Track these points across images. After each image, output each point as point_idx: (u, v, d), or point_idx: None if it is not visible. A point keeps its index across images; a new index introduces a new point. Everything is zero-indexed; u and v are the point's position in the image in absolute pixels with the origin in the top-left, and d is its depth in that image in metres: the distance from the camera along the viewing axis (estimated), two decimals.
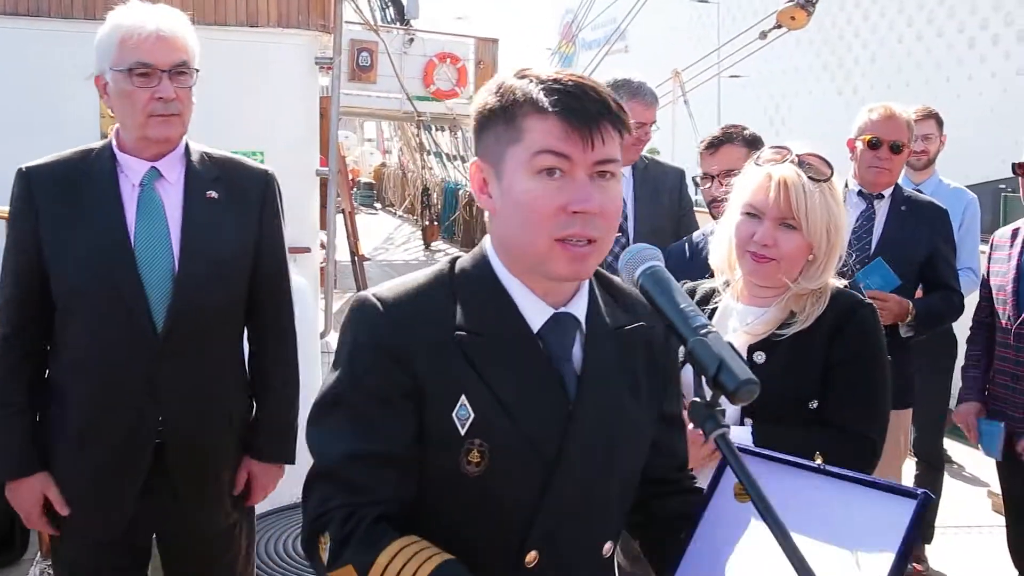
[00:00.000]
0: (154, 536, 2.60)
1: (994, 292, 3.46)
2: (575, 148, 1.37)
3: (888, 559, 1.36)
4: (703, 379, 1.20)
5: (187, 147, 2.46)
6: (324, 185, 6.78)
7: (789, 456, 1.63)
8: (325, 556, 1.40)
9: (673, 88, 14.78)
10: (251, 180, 2.52)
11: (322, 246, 7.09)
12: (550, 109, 1.37)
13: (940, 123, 4.62)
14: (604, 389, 1.48)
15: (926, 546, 4.64)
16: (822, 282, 2.14)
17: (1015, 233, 3.45)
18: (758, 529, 1.49)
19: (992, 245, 3.56)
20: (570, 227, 1.37)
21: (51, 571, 2.90)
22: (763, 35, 10.44)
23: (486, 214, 1.51)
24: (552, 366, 1.46)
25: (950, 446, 6.12)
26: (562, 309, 1.48)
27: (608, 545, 1.54)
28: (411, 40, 17.11)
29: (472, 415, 1.40)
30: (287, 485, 4.51)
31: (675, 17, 51.70)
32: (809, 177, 2.10)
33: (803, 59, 44.56)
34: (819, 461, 1.69)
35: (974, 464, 5.91)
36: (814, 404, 2.09)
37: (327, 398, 1.45)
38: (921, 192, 4.44)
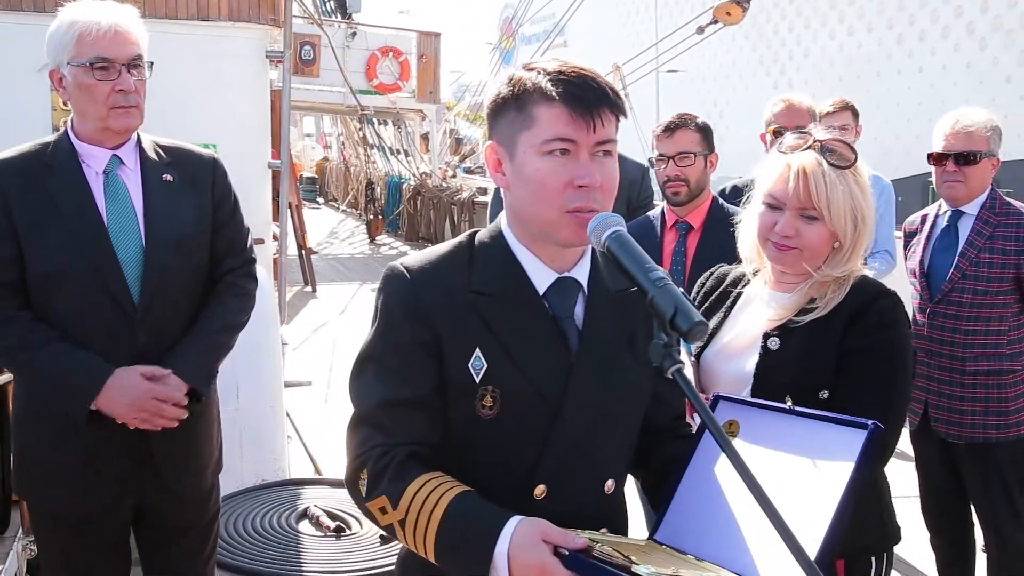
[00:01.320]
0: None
1: (908, 275, 3.73)
2: (579, 132, 1.57)
3: (843, 481, 1.58)
4: (662, 323, 1.37)
5: (138, 136, 2.61)
6: (276, 177, 6.88)
7: (762, 400, 1.86)
8: (364, 490, 1.61)
9: (613, 82, 14.98)
10: (200, 164, 2.68)
11: (275, 238, 7.17)
12: (557, 98, 1.57)
13: (856, 114, 4.88)
14: (603, 344, 1.67)
15: None
16: (848, 270, 2.07)
17: (924, 219, 3.72)
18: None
19: (904, 232, 3.84)
20: (576, 200, 1.58)
21: (33, 547, 3.00)
22: (700, 30, 10.72)
23: (501, 191, 1.73)
24: (556, 324, 1.66)
25: None
26: (566, 273, 1.68)
27: (610, 483, 1.74)
28: (353, 34, 17.12)
29: (485, 365, 1.61)
30: (252, 467, 4.67)
31: (614, 12, 52.08)
32: (831, 164, 2.03)
33: (740, 54, 45.21)
34: (789, 403, 1.92)
35: (902, 441, 6.22)
36: (825, 394, 2.01)
37: (363, 355, 1.68)
38: None
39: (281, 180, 6.84)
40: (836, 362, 2.01)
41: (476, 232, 1.75)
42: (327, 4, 18.72)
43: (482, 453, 1.65)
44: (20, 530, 3.23)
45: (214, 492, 2.80)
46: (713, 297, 2.30)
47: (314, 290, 13.17)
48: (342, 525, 3.96)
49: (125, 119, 2.48)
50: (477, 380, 1.62)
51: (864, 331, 2.01)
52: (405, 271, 1.66)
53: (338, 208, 28.46)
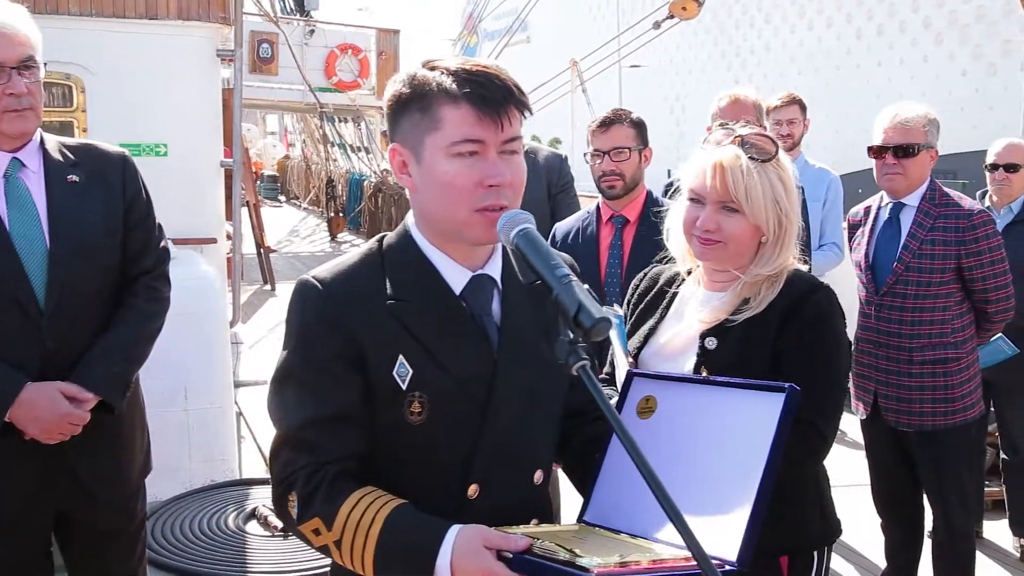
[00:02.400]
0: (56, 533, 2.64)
1: (854, 266, 3.77)
2: (487, 132, 1.55)
3: (766, 445, 1.59)
4: (566, 320, 1.37)
5: (41, 137, 2.55)
6: (229, 176, 6.82)
7: (676, 373, 1.86)
8: (294, 513, 1.56)
9: (571, 78, 15.01)
10: (108, 163, 2.61)
11: (228, 237, 7.12)
12: (462, 98, 1.55)
13: (803, 108, 4.93)
14: (522, 338, 1.66)
15: None
16: (778, 266, 2.07)
17: (867, 211, 3.76)
18: (661, 441, 1.72)
19: (848, 223, 3.87)
20: (487, 199, 1.56)
21: None
22: (656, 25, 10.76)
23: (407, 191, 1.70)
24: (476, 322, 1.65)
25: None
26: (479, 271, 1.67)
27: (539, 474, 1.74)
28: (312, 31, 16.99)
29: (410, 371, 1.59)
30: (201, 468, 4.62)
31: (576, 6, 52.17)
32: (751, 157, 2.04)
33: (702, 49, 45.52)
34: (704, 373, 1.92)
35: (855, 431, 6.29)
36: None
37: (281, 373, 1.63)
38: None
39: (234, 179, 6.79)
40: (772, 359, 2.01)
41: (384, 237, 1.72)
42: (285, 2, 18.58)
43: (413, 459, 1.63)
44: None
45: (140, 496, 2.75)
46: (649, 298, 2.29)
47: (273, 288, 13.06)
48: None
49: (19, 123, 2.42)
50: (404, 387, 1.59)
51: (798, 327, 2.01)
52: (318, 283, 1.62)
53: (300, 206, 28.28)
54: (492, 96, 1.56)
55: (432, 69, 1.60)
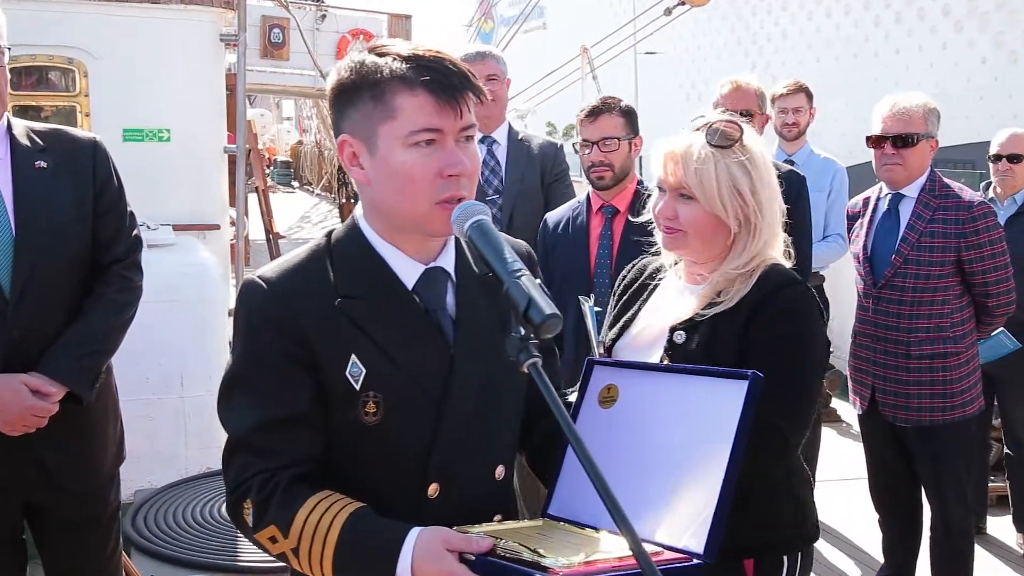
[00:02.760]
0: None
1: (852, 258, 3.70)
2: (446, 120, 1.50)
3: (730, 433, 1.55)
4: (517, 315, 1.33)
5: (8, 123, 2.52)
6: (233, 162, 6.79)
7: (637, 360, 1.82)
8: (250, 520, 1.52)
9: (582, 65, 14.88)
10: (78, 149, 2.58)
11: (232, 223, 7.09)
12: (419, 86, 1.49)
13: (810, 96, 4.87)
14: (479, 332, 1.61)
15: None
16: (751, 259, 2.01)
17: (866, 202, 3.69)
18: (623, 431, 1.69)
19: (847, 215, 3.80)
20: (446, 190, 1.51)
21: None
22: (668, 12, 10.67)
23: (355, 185, 1.64)
24: (430, 317, 1.59)
25: (839, 406, 6.46)
26: (433, 264, 1.62)
27: (500, 469, 1.69)
28: (323, 16, 16.88)
29: (364, 371, 1.53)
30: (197, 456, 4.61)
31: None
32: (713, 144, 1.98)
33: (718, 36, 45.22)
34: (665, 360, 1.87)
35: (857, 424, 6.23)
36: None
37: (230, 377, 1.58)
38: (793, 162, 4.70)
39: (237, 165, 6.74)
40: (738, 355, 1.94)
41: (332, 232, 1.66)
42: None
43: (370, 460, 1.59)
44: None
45: (113, 485, 2.72)
46: (632, 289, 2.26)
47: None
48: None
49: None
50: (357, 387, 1.54)
51: (765, 323, 1.95)
52: (264, 283, 1.55)
53: (312, 192, 28.30)
54: (450, 83, 1.50)
55: (382, 55, 1.54)
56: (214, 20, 6.40)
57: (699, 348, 1.98)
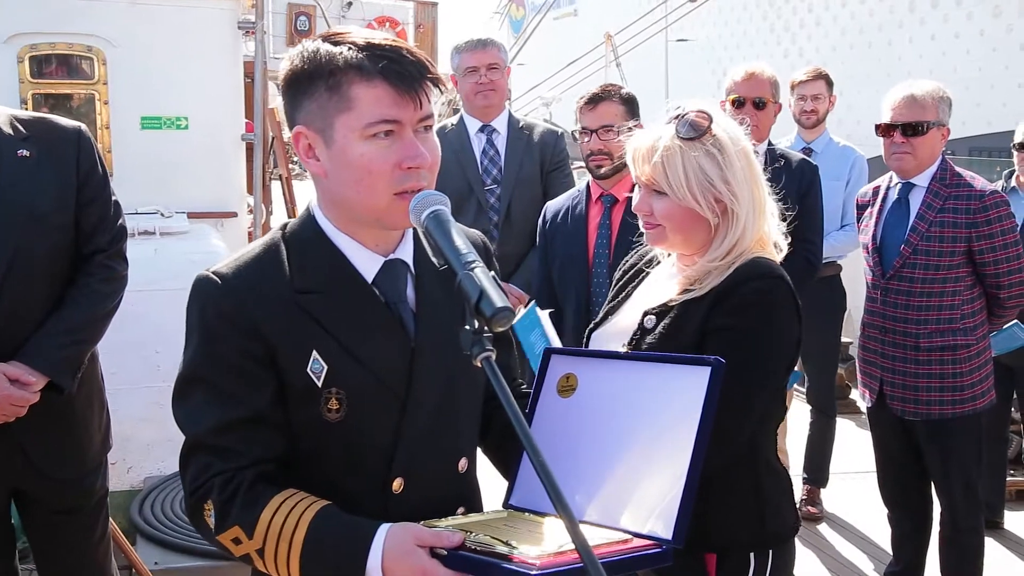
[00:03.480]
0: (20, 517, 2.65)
1: (861, 249, 3.63)
2: (404, 111, 1.47)
3: (694, 420, 1.53)
4: (469, 307, 1.31)
5: None
6: (251, 150, 6.81)
7: (597, 349, 1.81)
8: (212, 522, 1.49)
9: (606, 52, 14.78)
10: (62, 137, 2.57)
11: (250, 211, 7.11)
12: (377, 76, 1.46)
13: (830, 84, 4.81)
14: (439, 324, 1.59)
15: (821, 490, 4.87)
16: (730, 249, 1.98)
17: (876, 191, 3.62)
18: (584, 420, 1.67)
19: (856, 204, 3.74)
20: (406, 182, 1.49)
21: None
22: None
23: (311, 176, 1.61)
24: (390, 310, 1.57)
25: (858, 396, 6.38)
26: (391, 256, 1.60)
27: (463, 462, 1.68)
28: (349, 4, 16.92)
29: (325, 367, 1.51)
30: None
31: None
32: (680, 136, 1.95)
33: (751, 23, 44.76)
34: (624, 348, 1.86)
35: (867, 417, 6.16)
36: None
37: (185, 376, 1.54)
38: (811, 149, 4.64)
39: (255, 153, 6.77)
40: (697, 341, 1.93)
41: (287, 224, 1.63)
42: None
43: (334, 457, 1.56)
44: None
45: (99, 473, 2.73)
46: (628, 276, 2.26)
47: None
48: None
49: None
50: (319, 384, 1.52)
51: (725, 311, 1.93)
52: (217, 279, 1.52)
53: None
54: (407, 72, 1.48)
55: (336, 44, 1.50)
56: (232, 8, 6.41)
57: (662, 331, 1.98)
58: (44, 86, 5.87)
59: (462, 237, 1.39)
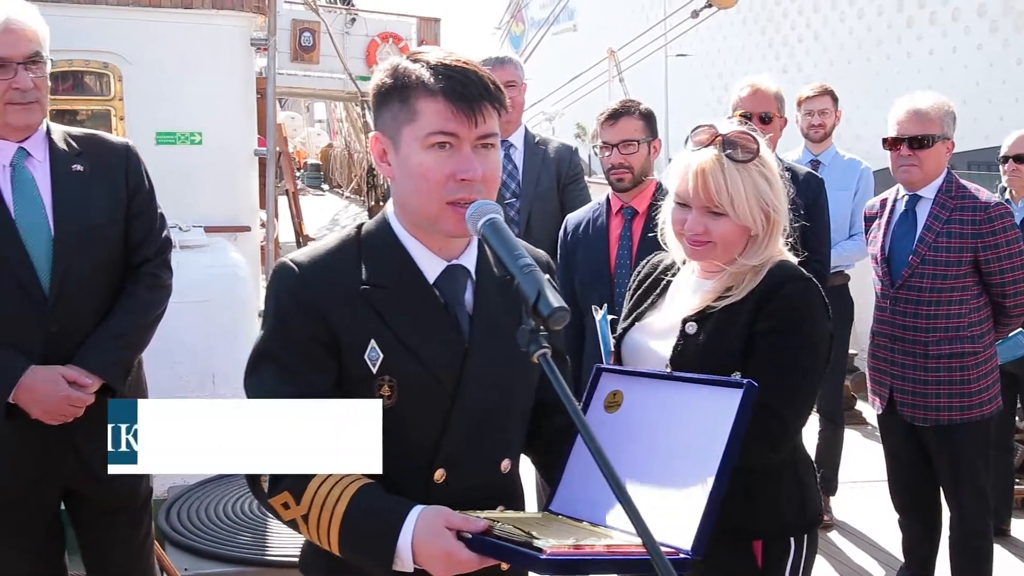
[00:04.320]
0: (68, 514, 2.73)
1: (870, 259, 3.72)
2: (461, 126, 1.60)
3: (723, 438, 1.64)
4: (527, 308, 1.42)
5: (48, 128, 2.64)
6: (263, 165, 6.90)
7: (645, 369, 1.93)
8: (266, 486, 1.62)
9: (609, 67, 14.93)
10: (112, 153, 2.69)
11: (262, 225, 7.20)
12: (438, 92, 1.60)
13: (835, 99, 4.93)
14: (494, 328, 1.70)
15: (830, 498, 4.94)
16: (765, 257, 2.10)
17: (883, 203, 3.70)
18: (624, 435, 1.77)
19: (864, 216, 3.83)
20: (457, 192, 1.61)
21: None
22: (695, 14, 10.68)
23: (385, 179, 1.74)
24: (448, 311, 1.69)
25: (864, 408, 6.45)
26: (454, 261, 1.71)
27: (506, 463, 1.77)
28: (353, 20, 17.06)
29: (381, 355, 1.63)
30: None
31: None
32: (731, 159, 2.04)
33: (749, 37, 45.07)
34: (668, 369, 1.98)
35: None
36: (737, 376, 1.97)
37: (258, 350, 1.68)
38: (819, 162, 4.75)
39: (267, 168, 6.86)
40: (745, 345, 2.04)
41: (363, 224, 1.76)
42: None
43: (383, 441, 1.66)
44: None
45: (145, 475, 2.81)
46: (646, 284, 2.33)
47: None
48: None
49: (24, 115, 2.52)
50: (374, 371, 1.64)
51: (770, 314, 2.03)
52: (295, 266, 1.66)
53: (342, 194, 28.50)
54: (467, 92, 1.60)
55: (415, 61, 1.64)
56: (245, 25, 6.52)
57: (707, 338, 2.07)
58: (60, 102, 5.96)
59: (518, 243, 1.50)
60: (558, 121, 17.71)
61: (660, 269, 2.32)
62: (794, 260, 2.17)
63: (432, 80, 1.60)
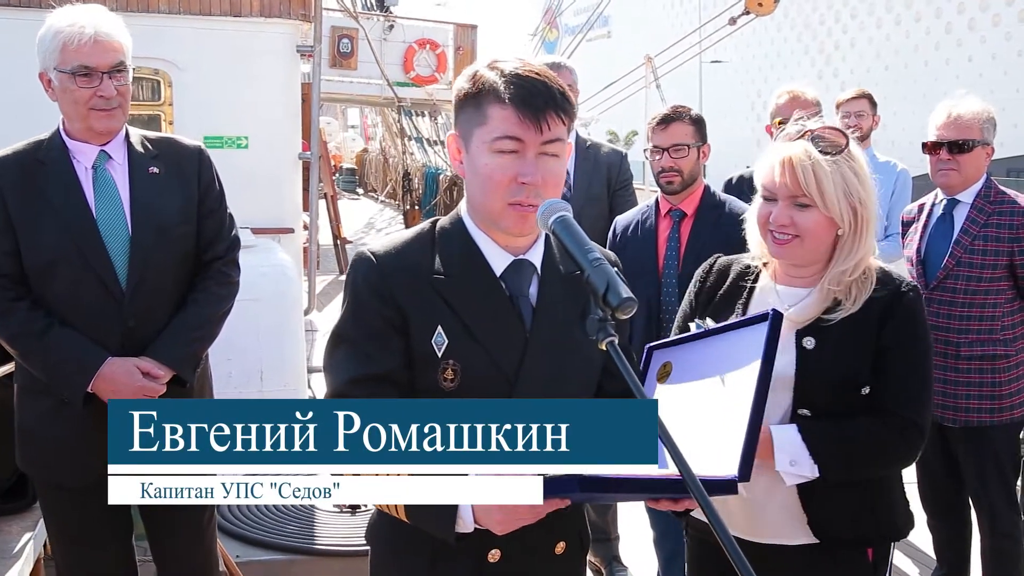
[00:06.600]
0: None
1: (906, 261, 3.78)
2: (527, 133, 1.70)
3: (756, 366, 1.83)
4: (596, 299, 1.50)
5: (127, 131, 2.75)
6: (307, 169, 7.05)
7: (682, 335, 2.13)
8: None
9: (646, 74, 14.99)
10: (186, 156, 2.81)
11: (305, 227, 7.36)
12: (507, 100, 1.71)
13: (873, 103, 4.97)
14: (555, 321, 1.81)
15: None
16: (858, 259, 2.09)
17: (921, 208, 3.77)
18: (676, 397, 1.94)
19: (902, 221, 3.88)
20: (519, 194, 1.72)
21: None
22: (732, 21, 10.72)
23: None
24: (512, 302, 1.81)
25: None
26: (521, 256, 1.83)
27: None
28: (391, 27, 17.25)
29: (447, 341, 1.76)
30: None
31: (656, 1, 51.77)
32: (821, 151, 2.06)
33: (784, 44, 44.87)
34: (702, 326, 2.10)
35: None
36: (866, 390, 2.07)
37: (335, 334, 1.82)
38: None
39: (311, 171, 7.00)
40: (875, 357, 2.08)
41: (438, 220, 1.89)
42: None
43: None
44: None
45: None
46: (723, 292, 2.30)
47: None
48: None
49: (106, 121, 2.66)
50: (439, 354, 1.76)
51: (898, 327, 2.09)
52: (372, 256, 1.80)
53: (377, 199, 28.72)
54: (534, 100, 1.70)
55: (492, 69, 1.76)
56: (291, 32, 6.67)
57: (834, 352, 2.08)
58: None
59: (587, 240, 1.59)
60: (592, 127, 17.79)
61: (734, 275, 2.29)
62: (881, 263, 2.20)
63: (503, 88, 1.71)
